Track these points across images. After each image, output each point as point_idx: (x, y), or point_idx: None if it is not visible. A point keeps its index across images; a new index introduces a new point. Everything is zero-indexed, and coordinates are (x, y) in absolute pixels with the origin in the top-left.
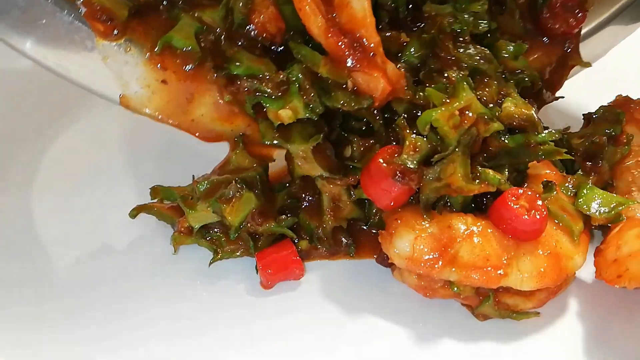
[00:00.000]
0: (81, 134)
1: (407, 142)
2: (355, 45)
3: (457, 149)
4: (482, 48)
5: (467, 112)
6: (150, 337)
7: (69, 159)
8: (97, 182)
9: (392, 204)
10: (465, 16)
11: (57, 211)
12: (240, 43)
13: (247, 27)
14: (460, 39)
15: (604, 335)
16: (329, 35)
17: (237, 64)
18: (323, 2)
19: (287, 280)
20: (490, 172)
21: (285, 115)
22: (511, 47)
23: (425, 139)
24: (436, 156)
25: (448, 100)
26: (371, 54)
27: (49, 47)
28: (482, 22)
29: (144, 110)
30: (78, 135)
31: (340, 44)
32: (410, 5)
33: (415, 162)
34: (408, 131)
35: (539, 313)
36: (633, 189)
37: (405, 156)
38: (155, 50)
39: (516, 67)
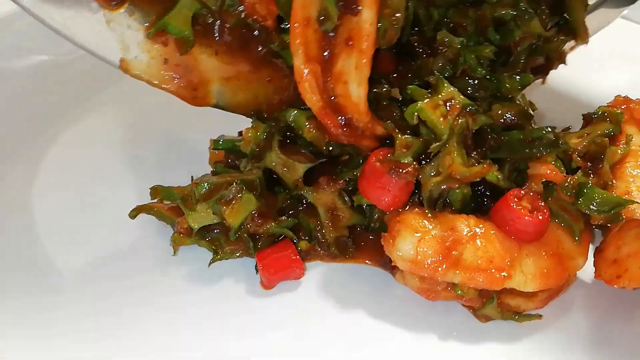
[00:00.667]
0: (81, 134)
1: (398, 142)
2: (345, 123)
3: (451, 140)
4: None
5: (451, 101)
6: (150, 336)
7: (69, 159)
8: (97, 182)
9: (392, 202)
10: (472, 56)
11: (57, 211)
12: (229, 26)
13: (238, 8)
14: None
15: (605, 336)
16: (323, 113)
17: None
18: (322, 68)
19: (287, 279)
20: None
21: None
22: (518, 77)
23: (414, 137)
24: (432, 146)
25: (430, 95)
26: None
27: (55, 7)
28: (480, 68)
29: (142, 75)
30: (78, 135)
31: (331, 122)
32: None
33: (408, 158)
34: (397, 131)
35: (541, 316)
36: (632, 189)
37: (398, 153)
38: (149, 33)
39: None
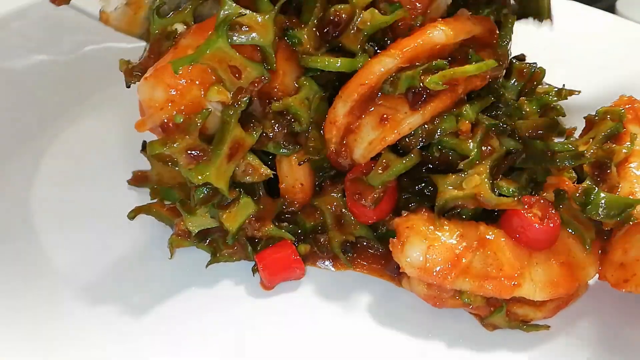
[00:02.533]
0: (81, 134)
1: (379, 160)
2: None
3: (484, 162)
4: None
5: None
6: (150, 337)
7: (69, 159)
8: (96, 182)
9: (370, 217)
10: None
11: (57, 211)
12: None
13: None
14: None
15: (612, 344)
16: (330, 153)
17: None
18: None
19: (288, 280)
20: (504, 185)
21: None
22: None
23: (397, 157)
24: (463, 163)
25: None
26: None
27: None
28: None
29: (122, 27)
30: (78, 135)
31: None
32: None
33: (380, 180)
34: (385, 151)
35: (548, 327)
36: (637, 189)
37: (372, 175)
38: None
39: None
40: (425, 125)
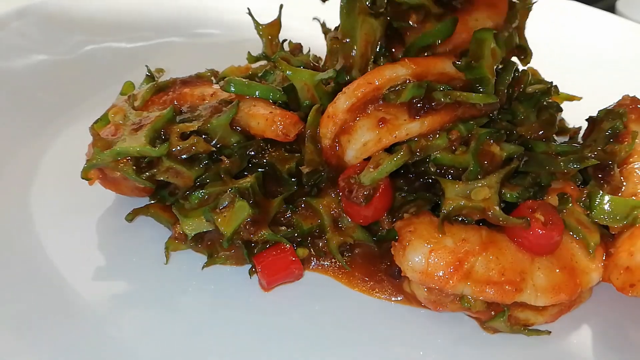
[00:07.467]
0: (81, 134)
1: (372, 158)
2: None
3: (496, 175)
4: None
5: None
6: (147, 338)
7: (69, 159)
8: (96, 183)
9: (365, 219)
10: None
11: (56, 211)
12: None
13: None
14: None
15: (616, 349)
16: (325, 149)
17: None
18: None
19: (287, 280)
20: (508, 192)
21: None
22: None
23: (388, 154)
24: (465, 175)
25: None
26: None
27: None
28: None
29: None
30: (78, 135)
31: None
32: None
33: (370, 178)
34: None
35: (549, 332)
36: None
37: (364, 173)
38: None
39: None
40: (420, 140)
